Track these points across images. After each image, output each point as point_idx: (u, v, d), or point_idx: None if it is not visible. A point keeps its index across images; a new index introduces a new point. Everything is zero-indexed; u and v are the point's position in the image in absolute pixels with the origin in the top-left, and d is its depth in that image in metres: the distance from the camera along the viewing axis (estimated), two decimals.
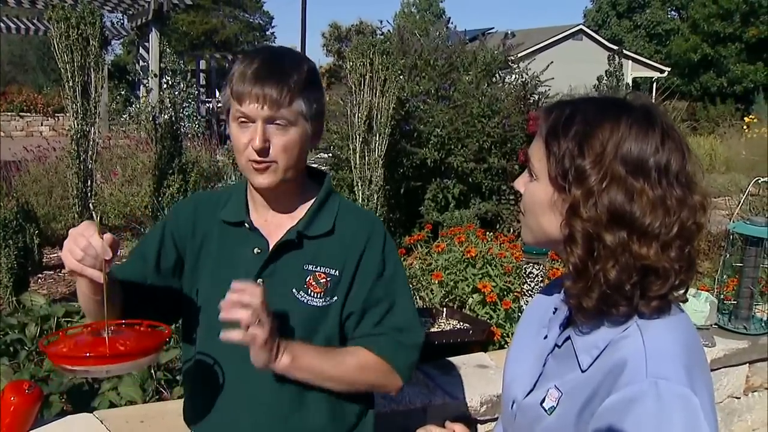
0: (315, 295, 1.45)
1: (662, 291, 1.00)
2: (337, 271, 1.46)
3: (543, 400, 1.08)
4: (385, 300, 1.47)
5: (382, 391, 1.51)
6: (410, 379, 1.51)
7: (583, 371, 1.04)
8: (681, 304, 1.07)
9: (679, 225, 0.99)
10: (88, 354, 1.20)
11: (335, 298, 1.46)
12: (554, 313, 1.17)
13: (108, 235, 1.24)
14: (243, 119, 1.38)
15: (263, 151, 1.38)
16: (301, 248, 1.47)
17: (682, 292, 1.03)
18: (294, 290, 1.45)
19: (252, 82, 1.35)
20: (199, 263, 1.53)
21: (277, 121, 1.37)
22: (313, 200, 1.50)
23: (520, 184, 1.13)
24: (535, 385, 1.13)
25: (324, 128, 1.50)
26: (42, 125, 17.59)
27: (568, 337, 1.09)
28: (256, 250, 1.47)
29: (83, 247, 1.22)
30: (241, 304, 1.25)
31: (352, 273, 1.46)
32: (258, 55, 1.41)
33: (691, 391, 0.95)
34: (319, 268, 1.46)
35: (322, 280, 1.45)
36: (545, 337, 1.16)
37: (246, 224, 1.49)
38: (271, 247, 1.47)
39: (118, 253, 1.30)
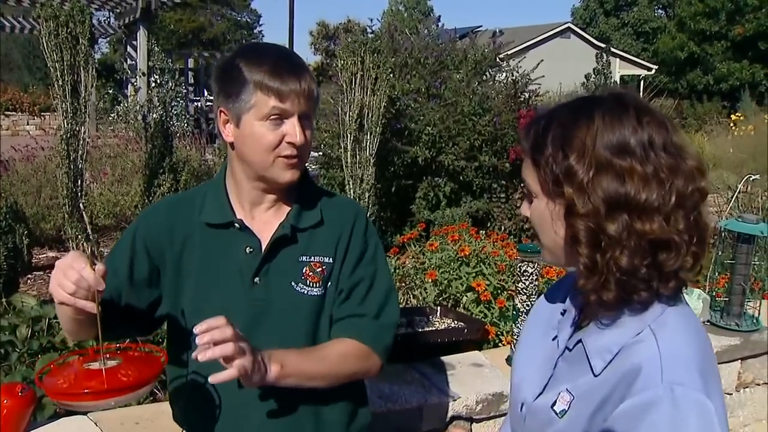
0: (313, 285, 1.46)
1: (677, 265, 0.99)
2: (330, 258, 1.48)
3: (554, 403, 1.07)
4: (367, 278, 1.51)
5: (364, 376, 1.54)
6: (387, 360, 1.55)
7: (595, 375, 1.03)
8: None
9: (677, 193, 0.98)
10: (86, 391, 1.18)
11: (330, 283, 1.49)
12: (563, 314, 1.17)
13: (100, 266, 1.22)
14: (277, 116, 1.37)
15: (302, 146, 1.40)
16: (295, 241, 1.48)
17: (696, 270, 1.02)
18: (293, 283, 1.45)
19: (291, 77, 1.36)
20: (181, 270, 1.50)
21: (306, 117, 1.40)
22: (293, 194, 1.51)
23: (525, 209, 1.13)
24: (545, 388, 1.12)
25: None
26: (28, 124, 17.44)
27: (580, 340, 1.09)
28: (248, 250, 1.46)
29: (75, 280, 1.20)
30: (215, 343, 1.21)
31: (342, 257, 1.50)
32: (272, 51, 1.43)
33: (706, 397, 0.94)
34: (313, 257, 1.47)
35: (318, 270, 1.47)
36: (553, 339, 1.15)
37: (236, 224, 1.47)
38: (264, 244, 1.46)
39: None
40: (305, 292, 1.46)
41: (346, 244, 1.50)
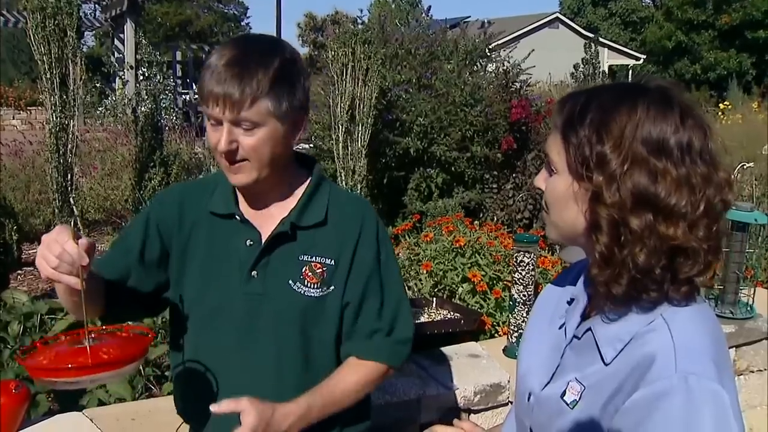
0: (311, 286, 1.43)
1: (692, 272, 0.98)
2: (332, 261, 1.45)
3: (563, 394, 1.06)
4: (380, 289, 1.48)
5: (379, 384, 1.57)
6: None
7: (606, 364, 1.02)
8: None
9: (706, 203, 0.97)
10: (69, 366, 1.15)
11: (332, 287, 1.45)
12: (570, 303, 1.15)
13: (83, 240, 1.20)
14: (213, 118, 1.34)
15: (230, 153, 1.35)
16: (295, 239, 1.45)
17: (709, 276, 1.01)
18: (290, 281, 1.43)
19: (214, 82, 1.31)
20: (186, 256, 1.50)
21: (242, 124, 1.33)
22: (303, 189, 1.48)
23: (540, 181, 1.10)
24: (552, 377, 1.11)
25: (306, 119, 1.46)
26: (14, 119, 17.26)
27: (589, 329, 1.07)
28: (248, 242, 1.45)
29: (57, 254, 1.17)
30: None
31: (349, 261, 1.45)
32: (226, 51, 1.36)
33: (721, 387, 0.93)
34: (314, 257, 1.44)
35: (318, 270, 1.44)
36: (560, 327, 1.14)
37: (236, 216, 1.46)
38: (264, 239, 1.45)
39: (96, 251, 1.26)
40: (302, 291, 1.43)
41: (353, 249, 1.46)
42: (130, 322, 1.47)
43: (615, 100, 1.01)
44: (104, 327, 1.32)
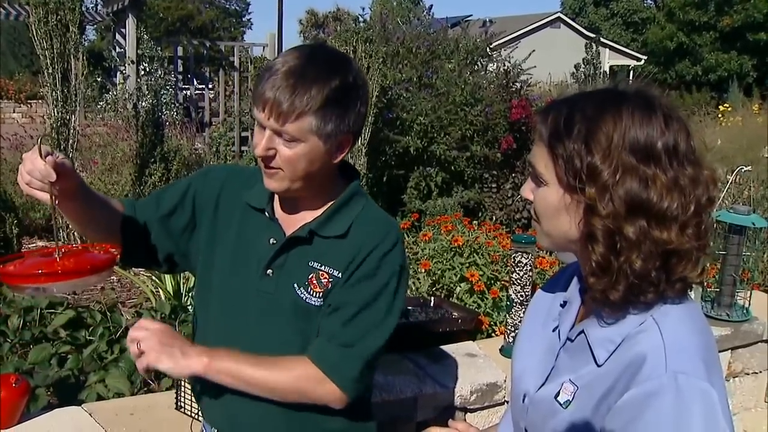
0: (314, 294, 1.43)
1: (685, 272, 1.00)
2: (339, 273, 1.43)
3: (557, 394, 1.07)
4: (362, 302, 1.41)
5: (320, 402, 1.43)
6: (357, 394, 1.43)
7: (598, 365, 1.03)
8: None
9: (696, 203, 0.99)
10: (40, 271, 1.22)
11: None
12: (563, 306, 1.16)
13: (50, 158, 1.24)
14: (260, 122, 1.35)
15: (266, 159, 1.36)
16: (311, 245, 1.45)
17: (699, 272, 1.02)
18: (295, 285, 1.43)
19: (268, 86, 1.31)
20: (216, 239, 1.52)
21: (283, 135, 1.33)
22: (337, 198, 1.47)
23: (528, 192, 1.11)
24: (547, 379, 1.12)
25: (354, 142, 1.45)
26: (14, 112, 17.23)
27: (582, 331, 1.08)
28: (271, 241, 1.46)
29: (28, 170, 1.24)
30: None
31: (351, 273, 1.43)
32: (291, 57, 1.35)
33: (710, 386, 0.95)
34: (323, 266, 1.43)
35: (323, 280, 1.43)
36: (554, 330, 1.15)
37: (266, 213, 1.48)
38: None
39: (77, 172, 1.32)
40: (304, 298, 1.43)
41: (359, 262, 1.43)
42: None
43: (599, 109, 1.01)
44: (74, 246, 1.39)
